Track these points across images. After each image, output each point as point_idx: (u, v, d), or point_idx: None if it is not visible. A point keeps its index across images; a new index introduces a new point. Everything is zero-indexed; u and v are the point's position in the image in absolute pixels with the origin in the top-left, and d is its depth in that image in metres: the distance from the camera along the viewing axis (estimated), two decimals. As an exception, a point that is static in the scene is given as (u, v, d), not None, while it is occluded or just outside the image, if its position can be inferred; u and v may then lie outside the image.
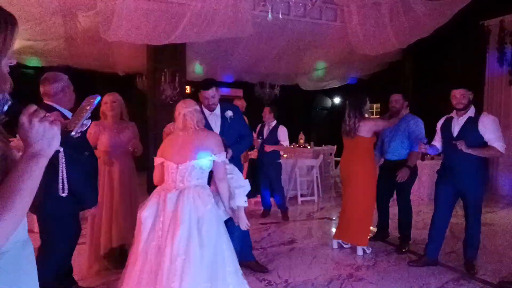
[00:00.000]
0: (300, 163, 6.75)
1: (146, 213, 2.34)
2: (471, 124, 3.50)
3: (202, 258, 2.22)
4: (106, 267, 3.54)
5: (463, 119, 3.57)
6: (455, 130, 3.60)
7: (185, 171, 2.38)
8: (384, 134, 4.47)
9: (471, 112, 3.56)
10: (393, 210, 4.59)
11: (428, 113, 8.15)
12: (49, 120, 0.87)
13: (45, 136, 0.85)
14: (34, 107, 0.88)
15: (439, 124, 3.83)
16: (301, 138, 9.70)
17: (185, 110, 2.51)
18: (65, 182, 2.55)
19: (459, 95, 3.55)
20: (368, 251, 4.18)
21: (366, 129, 3.99)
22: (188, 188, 2.35)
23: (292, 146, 9.25)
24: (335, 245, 4.33)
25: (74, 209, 2.70)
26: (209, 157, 2.42)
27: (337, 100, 13.11)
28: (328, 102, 13.74)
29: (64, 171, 2.54)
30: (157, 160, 2.54)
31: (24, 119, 0.85)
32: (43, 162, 0.86)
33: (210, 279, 2.23)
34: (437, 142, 3.82)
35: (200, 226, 2.26)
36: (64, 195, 2.57)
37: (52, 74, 2.67)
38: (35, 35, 6.34)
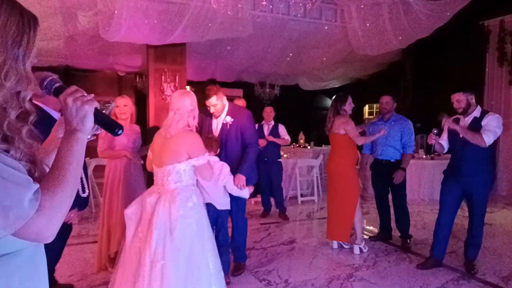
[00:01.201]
0: (300, 163, 6.75)
1: (129, 212, 2.35)
2: (476, 124, 3.50)
3: (179, 262, 2.21)
4: (108, 266, 3.54)
5: (468, 120, 3.58)
6: None
7: (163, 175, 2.37)
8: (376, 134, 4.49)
9: (476, 112, 3.56)
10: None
11: (428, 112, 8.17)
12: (82, 100, 0.96)
13: (78, 115, 0.95)
14: (73, 88, 0.98)
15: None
16: (301, 138, 9.70)
17: (176, 110, 2.41)
18: (85, 182, 2.58)
19: (454, 100, 3.58)
20: (364, 250, 4.19)
21: (337, 125, 4.02)
22: (165, 193, 2.34)
23: (292, 146, 9.26)
24: (335, 245, 4.33)
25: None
26: (185, 161, 2.35)
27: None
28: (328, 102, 13.75)
29: (82, 172, 2.55)
30: (149, 154, 2.58)
31: (61, 98, 0.97)
32: (81, 137, 0.95)
33: (192, 282, 2.22)
34: (444, 141, 3.81)
35: (173, 231, 2.24)
36: (85, 195, 2.59)
37: (42, 74, 2.62)
38: (35, 35, 6.34)
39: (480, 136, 3.40)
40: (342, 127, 4.00)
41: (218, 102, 3.26)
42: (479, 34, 7.89)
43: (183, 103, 2.40)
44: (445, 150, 3.84)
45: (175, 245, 2.21)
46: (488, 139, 3.39)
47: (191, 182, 2.43)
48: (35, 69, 0.98)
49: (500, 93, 7.73)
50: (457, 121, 3.67)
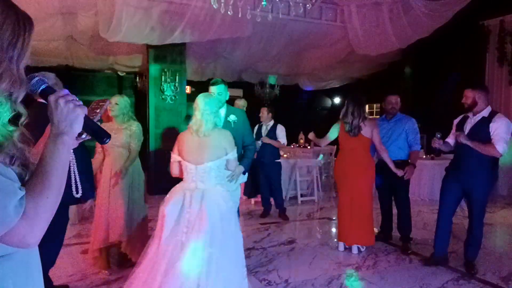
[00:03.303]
0: (300, 163, 6.75)
1: (170, 208, 2.48)
2: (483, 124, 3.50)
3: (228, 249, 2.44)
4: (106, 265, 3.53)
5: (476, 118, 3.57)
6: (467, 128, 3.61)
7: (204, 172, 2.52)
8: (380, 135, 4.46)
9: (485, 112, 3.55)
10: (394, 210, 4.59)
11: (428, 112, 8.15)
12: (75, 103, 0.93)
13: (68, 118, 0.92)
14: (65, 91, 0.95)
15: (456, 121, 3.84)
16: (301, 138, 9.69)
17: (204, 113, 2.52)
18: (79, 183, 2.59)
19: (464, 96, 3.60)
20: (362, 250, 4.19)
21: (368, 128, 4.01)
22: (209, 188, 2.52)
23: (292, 146, 9.26)
24: (341, 248, 4.26)
25: (61, 208, 2.73)
26: (224, 157, 2.57)
27: (337, 100, 13.12)
28: (328, 102, 13.74)
29: (76, 173, 2.57)
30: (175, 158, 2.66)
31: (51, 99, 0.93)
32: (68, 141, 0.92)
33: (242, 267, 2.49)
34: (451, 139, 3.80)
35: (224, 223, 2.47)
36: (78, 196, 2.60)
37: (39, 74, 2.64)
38: (35, 35, 6.33)
39: (492, 147, 3.38)
40: (371, 129, 4.00)
41: (222, 92, 3.32)
42: (479, 34, 7.88)
43: (210, 105, 2.57)
44: (452, 147, 3.83)
45: (225, 235, 2.44)
46: (501, 148, 3.36)
47: (224, 175, 2.68)
48: (35, 69, 0.97)
49: (500, 93, 7.72)
50: (465, 119, 3.68)
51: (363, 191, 4.06)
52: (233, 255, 2.50)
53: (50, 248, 2.75)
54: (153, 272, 2.37)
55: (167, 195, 2.61)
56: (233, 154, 2.63)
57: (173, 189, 2.64)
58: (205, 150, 2.54)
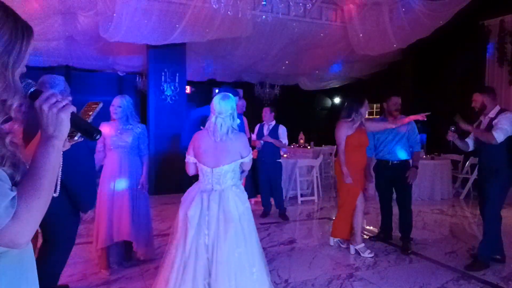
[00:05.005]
0: (300, 163, 6.75)
1: (193, 212, 2.49)
2: (490, 125, 3.57)
3: (247, 248, 2.49)
4: (106, 265, 3.53)
5: (486, 121, 3.66)
6: None
7: (220, 175, 2.55)
8: (381, 136, 4.45)
9: (492, 113, 3.62)
10: (394, 210, 4.59)
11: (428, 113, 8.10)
12: (58, 107, 0.93)
13: (53, 122, 0.93)
14: (48, 93, 0.95)
15: (475, 124, 3.90)
16: (301, 138, 9.70)
17: (218, 116, 2.50)
18: (58, 184, 2.58)
19: (473, 100, 3.70)
20: (367, 255, 4.05)
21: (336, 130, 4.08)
22: (226, 190, 2.55)
23: (292, 146, 9.26)
24: (331, 242, 4.36)
25: (74, 209, 2.74)
26: (239, 160, 2.60)
27: (337, 100, 13.12)
28: (328, 102, 13.74)
29: (60, 174, 2.56)
30: (190, 159, 2.66)
31: (36, 104, 0.94)
32: (57, 144, 0.93)
33: (258, 267, 2.50)
34: (470, 140, 3.87)
35: (243, 222, 2.50)
36: (55, 195, 2.60)
37: (50, 77, 2.62)
38: (35, 35, 6.34)
39: (490, 134, 3.46)
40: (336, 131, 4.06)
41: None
42: (479, 34, 7.89)
43: (225, 107, 2.53)
44: (470, 148, 3.90)
45: (245, 236, 2.48)
46: (497, 135, 3.44)
47: (238, 176, 2.71)
48: (35, 69, 0.97)
49: (500, 93, 7.72)
50: (479, 123, 3.77)
51: (343, 188, 4.13)
52: (257, 253, 2.55)
53: (65, 250, 2.77)
54: (185, 275, 2.39)
55: (184, 198, 2.61)
56: (247, 158, 2.65)
57: (189, 190, 2.64)
58: (221, 154, 2.54)
